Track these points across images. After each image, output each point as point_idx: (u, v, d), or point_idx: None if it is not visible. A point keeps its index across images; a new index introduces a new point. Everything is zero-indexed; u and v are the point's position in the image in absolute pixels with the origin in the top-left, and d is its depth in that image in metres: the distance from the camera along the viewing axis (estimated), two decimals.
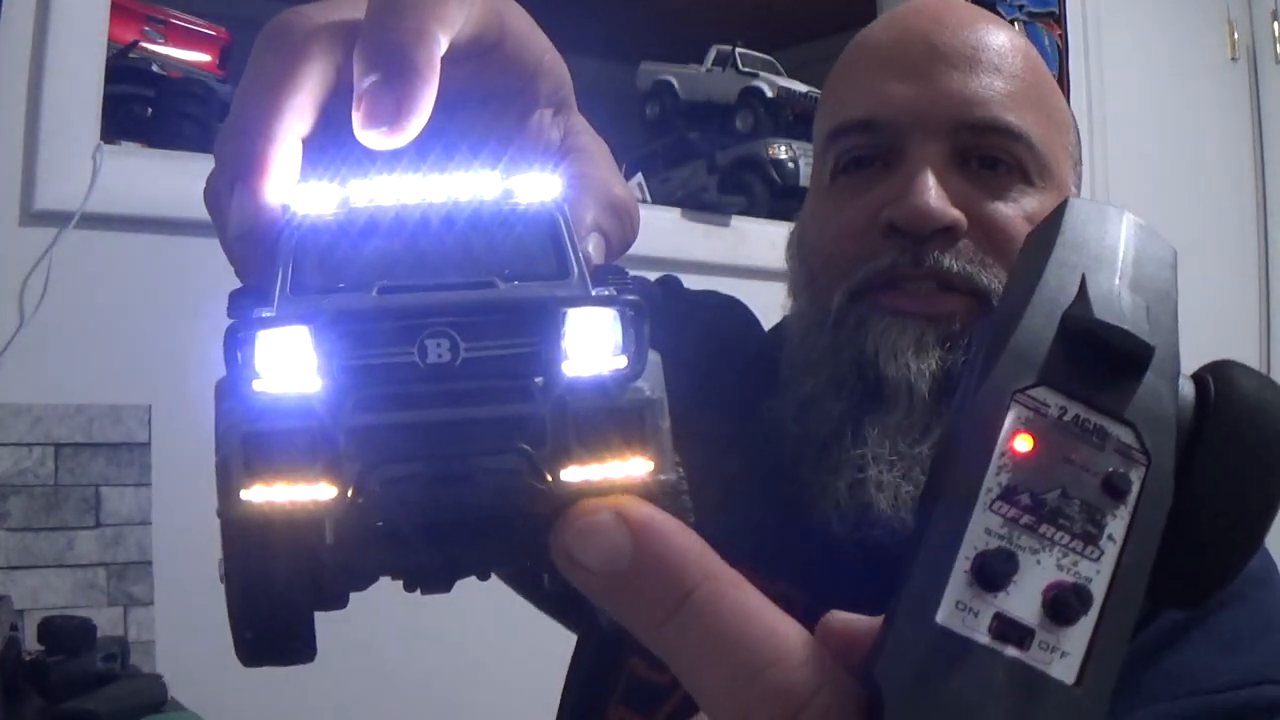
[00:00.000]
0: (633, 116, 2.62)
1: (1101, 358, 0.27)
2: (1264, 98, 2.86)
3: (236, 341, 0.26)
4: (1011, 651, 0.25)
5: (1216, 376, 0.30)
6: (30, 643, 1.30)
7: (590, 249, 0.33)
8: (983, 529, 0.26)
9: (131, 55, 1.77)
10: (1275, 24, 2.83)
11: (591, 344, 0.27)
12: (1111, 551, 0.26)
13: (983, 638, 0.25)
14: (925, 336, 0.69)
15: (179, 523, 1.54)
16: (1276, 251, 2.84)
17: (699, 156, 2.33)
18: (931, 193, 0.69)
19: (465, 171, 0.30)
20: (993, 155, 0.72)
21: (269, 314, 0.27)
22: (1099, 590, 0.26)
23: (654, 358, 0.28)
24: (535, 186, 0.30)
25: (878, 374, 0.70)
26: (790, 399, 0.75)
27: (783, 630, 0.25)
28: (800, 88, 2.43)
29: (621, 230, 0.35)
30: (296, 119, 0.31)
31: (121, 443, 1.53)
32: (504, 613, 1.07)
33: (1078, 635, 0.25)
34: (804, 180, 2.23)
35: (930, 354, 0.69)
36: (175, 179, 1.59)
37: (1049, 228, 0.30)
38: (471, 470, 0.26)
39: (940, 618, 0.25)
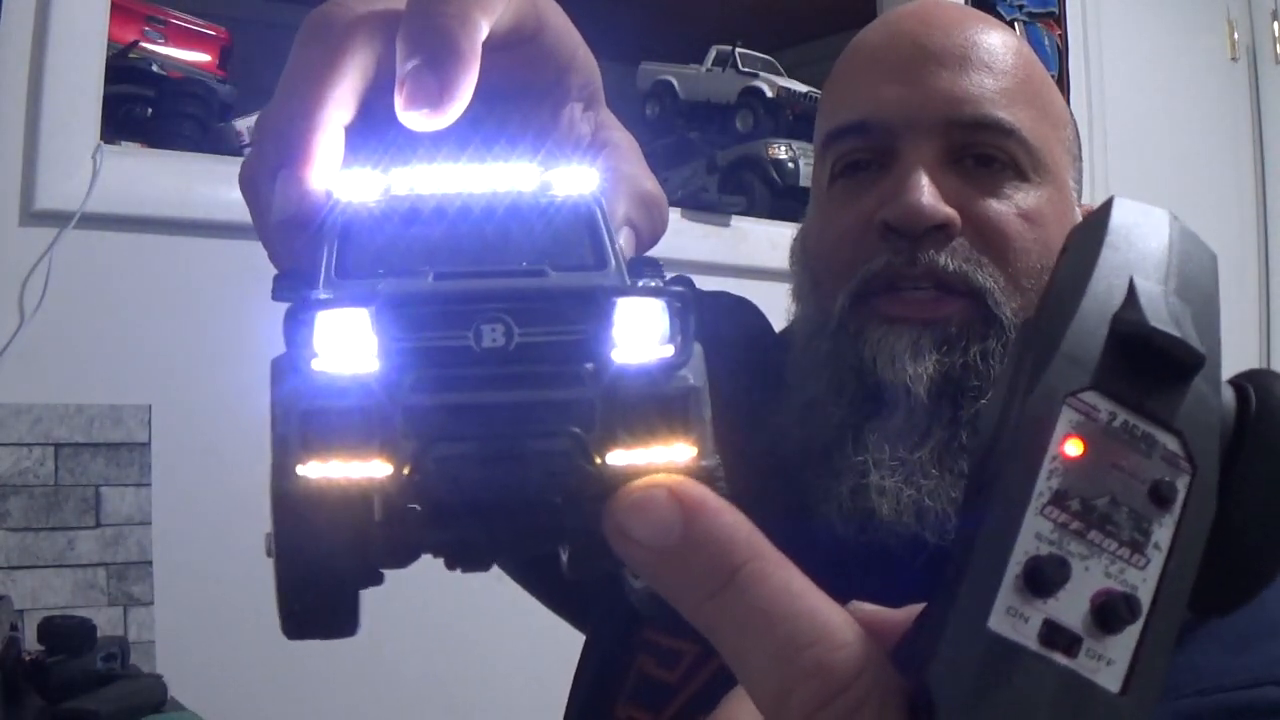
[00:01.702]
0: (633, 116, 2.62)
1: (1152, 364, 0.27)
2: (1264, 98, 2.86)
3: (297, 322, 0.27)
4: (1061, 659, 0.25)
5: (1257, 386, 0.29)
6: (30, 643, 1.30)
7: (621, 241, 0.33)
8: (1034, 534, 0.26)
9: (131, 55, 1.77)
10: (1275, 24, 2.83)
11: (640, 333, 0.28)
12: (1158, 560, 0.26)
13: (1032, 644, 0.25)
14: (922, 341, 0.69)
15: (179, 523, 1.54)
16: (1276, 251, 2.84)
17: (699, 156, 2.33)
18: (924, 191, 0.69)
19: (504, 162, 0.31)
20: (986, 152, 0.72)
21: (327, 296, 0.28)
22: (1145, 599, 0.26)
23: (697, 348, 0.29)
24: (573, 179, 0.31)
25: (876, 380, 0.70)
26: (793, 403, 0.75)
27: (827, 611, 0.25)
28: (800, 88, 2.43)
29: (651, 224, 0.36)
30: (339, 108, 0.32)
31: (121, 443, 1.53)
32: (509, 613, 1.07)
33: (1123, 644, 0.26)
34: (804, 180, 2.23)
35: (927, 358, 0.69)
36: (175, 179, 1.59)
37: (1095, 227, 0.30)
38: (523, 451, 0.27)
39: (992, 623, 0.25)
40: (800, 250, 0.80)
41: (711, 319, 0.89)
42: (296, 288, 0.29)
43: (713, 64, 2.55)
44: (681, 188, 2.23)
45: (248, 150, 0.35)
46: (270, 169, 0.32)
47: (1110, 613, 0.25)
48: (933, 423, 0.69)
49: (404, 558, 0.29)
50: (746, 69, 2.48)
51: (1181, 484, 0.27)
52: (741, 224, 2.17)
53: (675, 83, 2.59)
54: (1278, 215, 2.85)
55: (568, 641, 0.86)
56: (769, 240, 2.02)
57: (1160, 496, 0.26)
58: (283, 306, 0.28)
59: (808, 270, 0.78)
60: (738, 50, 2.50)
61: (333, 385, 0.27)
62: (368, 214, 0.30)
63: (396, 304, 0.27)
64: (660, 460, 0.28)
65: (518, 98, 0.36)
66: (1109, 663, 0.25)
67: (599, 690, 0.79)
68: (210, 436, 1.52)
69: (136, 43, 1.80)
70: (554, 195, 0.31)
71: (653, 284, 0.29)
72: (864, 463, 0.69)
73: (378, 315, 0.27)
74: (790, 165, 2.28)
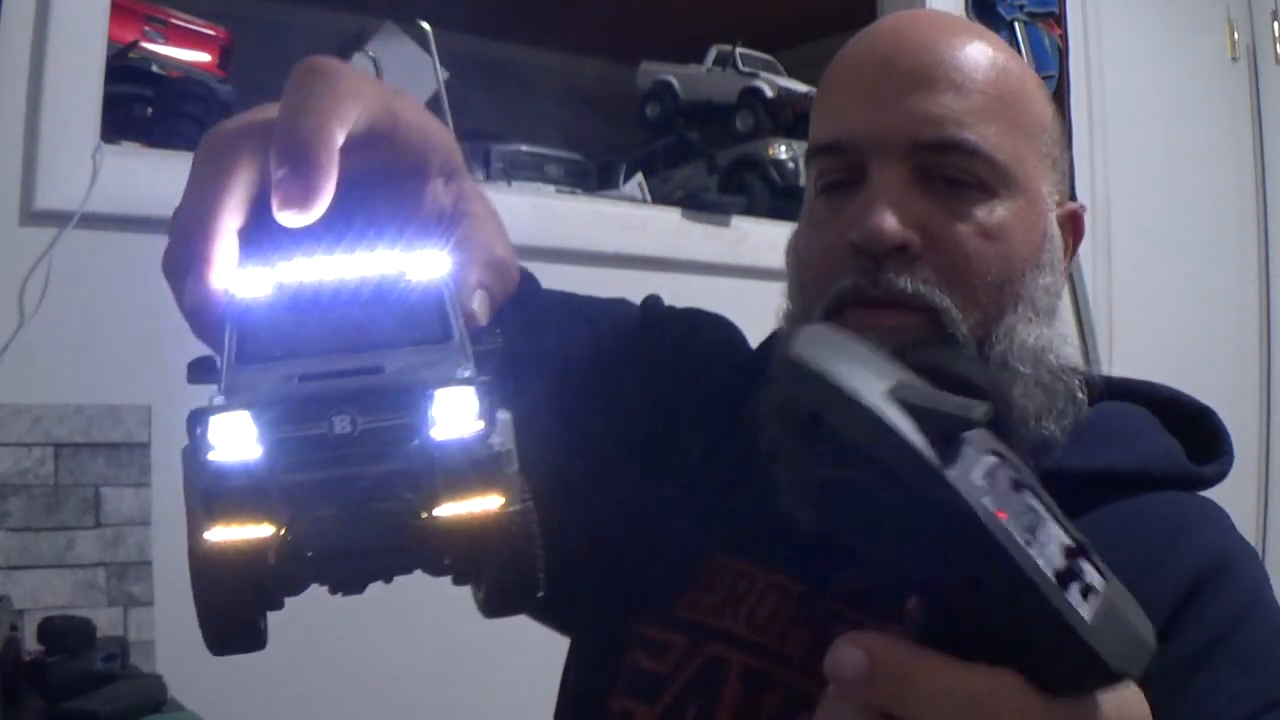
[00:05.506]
0: (633, 116, 2.62)
1: (943, 425, 0.36)
2: (1264, 98, 2.86)
3: (196, 422, 0.36)
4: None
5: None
6: (30, 643, 1.30)
7: (475, 305, 0.42)
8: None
9: (131, 55, 1.77)
10: (1275, 24, 2.84)
11: (456, 414, 0.36)
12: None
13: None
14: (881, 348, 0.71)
15: (179, 523, 1.52)
16: (1276, 252, 2.84)
17: (699, 156, 2.34)
18: (885, 215, 0.71)
19: (371, 251, 0.40)
20: (950, 175, 0.73)
21: (219, 400, 0.37)
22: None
23: (504, 416, 0.38)
24: (426, 264, 0.40)
25: None
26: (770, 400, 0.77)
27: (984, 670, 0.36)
28: (800, 88, 2.43)
29: (503, 284, 0.44)
30: (230, 216, 0.40)
31: (121, 443, 1.53)
32: (497, 620, 1.07)
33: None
34: (804, 180, 2.22)
35: None
36: (175, 179, 1.56)
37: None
38: (369, 512, 0.37)
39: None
40: (793, 254, 0.82)
41: (684, 329, 0.90)
42: (206, 372, 0.39)
43: (713, 64, 2.54)
44: (681, 188, 2.23)
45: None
46: (181, 269, 0.41)
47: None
48: None
49: (295, 589, 0.40)
50: (746, 69, 2.48)
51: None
52: (741, 224, 2.17)
53: (675, 83, 2.59)
54: (1278, 215, 2.85)
55: (559, 643, 0.87)
56: (769, 240, 2.02)
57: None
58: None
59: (796, 276, 0.80)
60: (738, 50, 2.50)
61: (226, 470, 0.35)
62: (260, 306, 0.39)
63: (269, 406, 0.36)
64: (477, 509, 0.37)
65: (383, 180, 0.44)
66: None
67: (592, 685, 0.79)
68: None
69: (136, 43, 1.80)
70: (409, 281, 0.40)
71: (467, 373, 0.38)
72: None
73: (256, 415, 0.35)
74: (790, 165, 2.28)
